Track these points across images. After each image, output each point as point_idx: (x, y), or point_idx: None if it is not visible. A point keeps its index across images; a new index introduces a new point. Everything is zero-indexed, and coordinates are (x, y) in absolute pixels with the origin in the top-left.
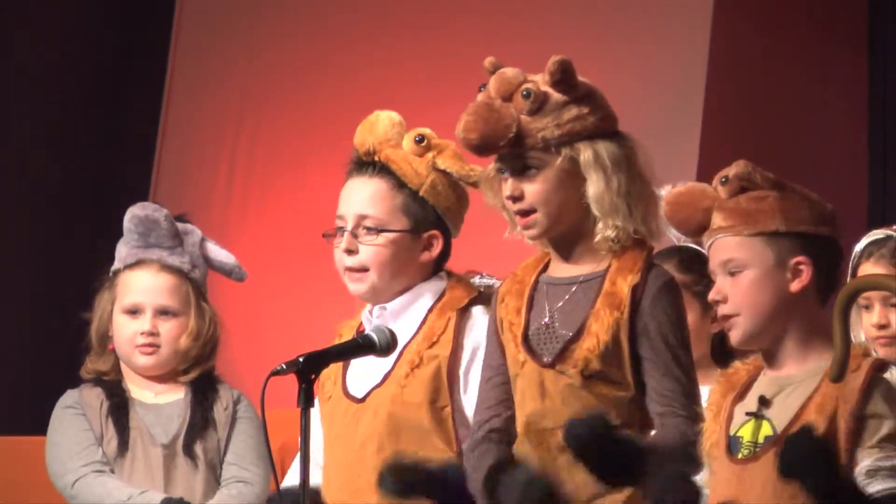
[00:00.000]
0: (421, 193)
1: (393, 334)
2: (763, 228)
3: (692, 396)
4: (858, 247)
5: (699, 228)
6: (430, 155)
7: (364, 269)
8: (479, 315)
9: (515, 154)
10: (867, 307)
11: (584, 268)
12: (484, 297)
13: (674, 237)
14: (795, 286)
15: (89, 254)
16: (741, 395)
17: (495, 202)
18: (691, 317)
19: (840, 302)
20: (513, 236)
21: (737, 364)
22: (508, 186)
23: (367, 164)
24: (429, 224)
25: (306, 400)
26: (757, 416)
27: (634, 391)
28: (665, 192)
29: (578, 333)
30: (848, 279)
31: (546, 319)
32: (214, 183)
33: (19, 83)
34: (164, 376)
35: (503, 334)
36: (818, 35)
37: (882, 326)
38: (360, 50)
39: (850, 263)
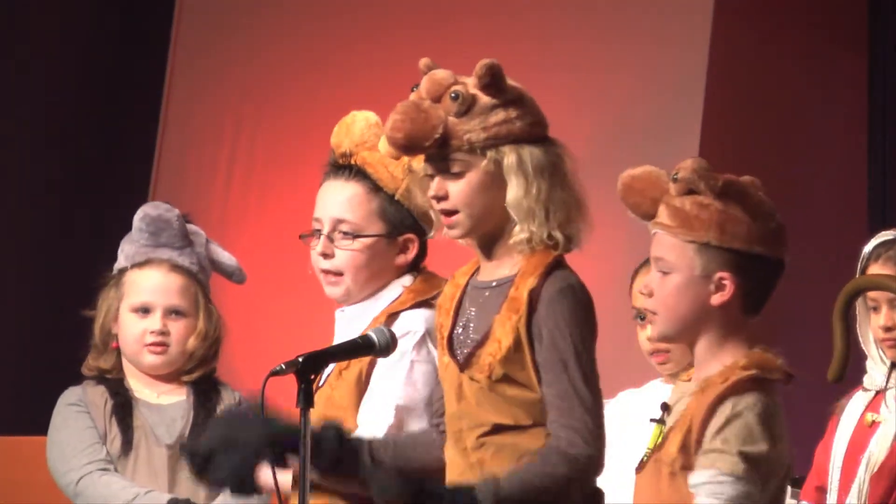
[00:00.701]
0: (397, 197)
1: (392, 334)
2: (695, 237)
3: (583, 405)
4: (867, 249)
5: (648, 215)
6: (405, 158)
7: (339, 273)
8: (405, 318)
9: (441, 155)
10: (875, 309)
11: (502, 271)
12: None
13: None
14: (716, 300)
15: (89, 253)
16: None
17: (424, 201)
18: None
19: (840, 302)
20: (438, 235)
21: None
22: (434, 186)
23: (344, 166)
24: (404, 228)
25: (306, 400)
26: (659, 422)
27: (542, 393)
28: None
29: (484, 338)
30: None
31: (462, 323)
32: (214, 183)
33: (19, 83)
34: (168, 376)
35: (436, 336)
36: (818, 36)
37: (888, 329)
38: (359, 50)
39: (859, 265)
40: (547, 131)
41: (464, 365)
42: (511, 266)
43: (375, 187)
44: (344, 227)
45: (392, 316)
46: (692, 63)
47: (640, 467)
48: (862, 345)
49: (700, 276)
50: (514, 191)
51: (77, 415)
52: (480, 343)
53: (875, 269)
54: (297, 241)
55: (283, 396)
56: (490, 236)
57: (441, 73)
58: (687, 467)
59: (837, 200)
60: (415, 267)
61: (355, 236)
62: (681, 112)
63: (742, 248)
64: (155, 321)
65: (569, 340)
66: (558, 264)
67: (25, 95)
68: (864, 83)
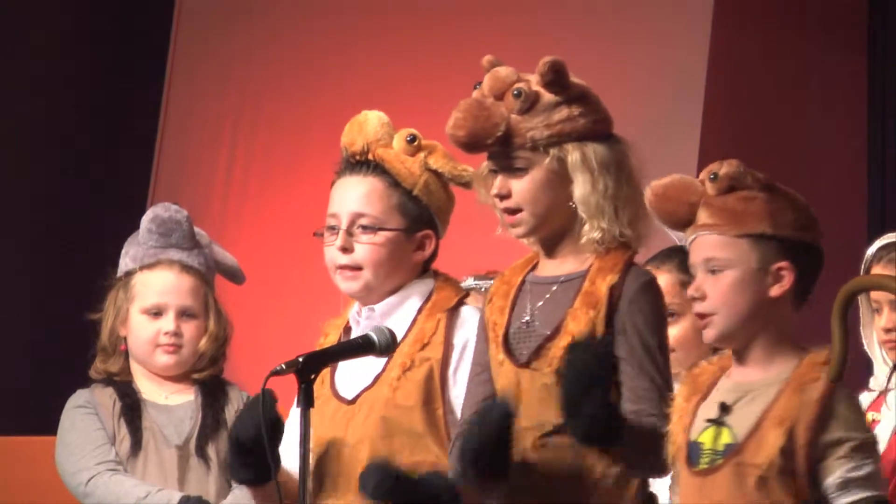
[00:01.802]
0: (415, 193)
1: (393, 334)
2: (749, 230)
3: (665, 398)
4: (870, 250)
5: (683, 222)
6: (421, 155)
7: (358, 268)
8: (467, 314)
9: (504, 153)
10: (877, 310)
11: (567, 267)
12: (471, 296)
13: (676, 238)
14: (776, 291)
15: (89, 254)
16: (705, 397)
17: (487, 199)
18: (691, 318)
19: (839, 302)
20: (504, 234)
21: (703, 363)
22: (497, 184)
23: (360, 163)
24: (422, 224)
25: (306, 400)
26: (717, 422)
27: (620, 382)
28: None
29: (555, 332)
30: None
31: (526, 318)
32: (214, 183)
33: (19, 83)
34: (177, 377)
35: (488, 333)
36: (818, 35)
37: (889, 330)
38: (358, 50)
39: (862, 267)
40: (611, 128)
41: (531, 358)
42: (579, 262)
43: (394, 182)
44: (364, 221)
45: (454, 310)
46: (692, 63)
47: (711, 470)
48: (865, 346)
49: (758, 269)
50: (580, 188)
51: (86, 416)
52: (551, 336)
53: (877, 271)
54: (297, 241)
55: (283, 397)
56: (554, 234)
57: (504, 70)
58: (787, 472)
59: (837, 200)
60: (427, 266)
61: (377, 230)
62: (681, 112)
63: (795, 236)
64: (168, 322)
65: (655, 336)
66: (632, 261)
67: (25, 95)
68: (863, 82)
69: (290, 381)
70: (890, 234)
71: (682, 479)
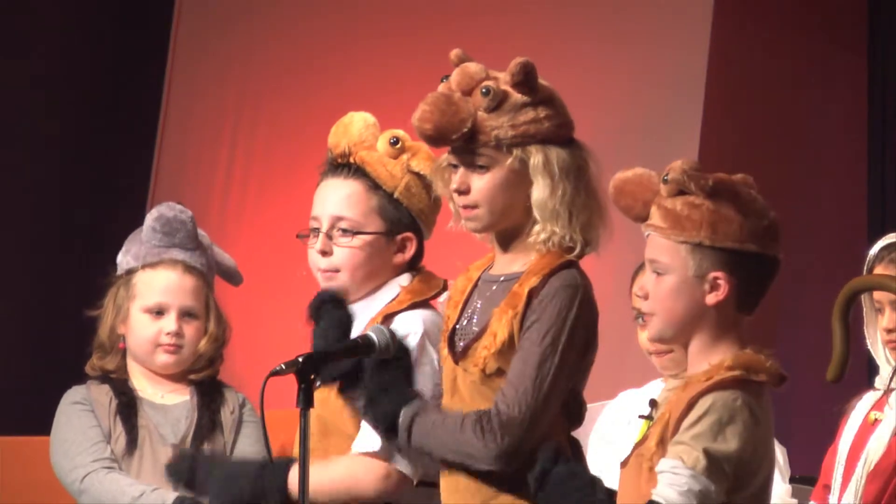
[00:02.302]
0: (396, 196)
1: (393, 335)
2: (687, 238)
3: (531, 400)
4: (872, 250)
5: (641, 217)
6: (404, 157)
7: (336, 270)
8: (403, 319)
9: (468, 148)
10: (879, 310)
11: (515, 267)
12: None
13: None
14: (711, 299)
15: (89, 253)
16: None
17: (444, 192)
18: None
19: (839, 303)
20: (456, 227)
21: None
22: (457, 179)
23: (342, 165)
24: (403, 226)
25: (305, 400)
26: (647, 418)
27: None
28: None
29: (482, 331)
30: None
31: (468, 315)
32: (213, 183)
33: (19, 83)
34: (174, 376)
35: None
36: (818, 35)
37: (891, 330)
38: (357, 50)
39: (865, 267)
40: (573, 133)
41: (459, 356)
42: (523, 263)
43: (374, 185)
44: (343, 225)
45: (389, 317)
46: (692, 63)
47: (625, 462)
48: (869, 346)
49: (694, 277)
50: (539, 191)
51: (81, 413)
52: (478, 336)
53: (879, 271)
54: (296, 241)
55: (283, 397)
56: (508, 232)
57: (473, 67)
58: None
59: (837, 200)
60: (412, 266)
61: (354, 233)
62: (681, 112)
63: (734, 247)
64: (170, 322)
65: (554, 339)
66: (568, 266)
67: (26, 96)
68: (863, 82)
69: (290, 381)
70: (892, 234)
71: None
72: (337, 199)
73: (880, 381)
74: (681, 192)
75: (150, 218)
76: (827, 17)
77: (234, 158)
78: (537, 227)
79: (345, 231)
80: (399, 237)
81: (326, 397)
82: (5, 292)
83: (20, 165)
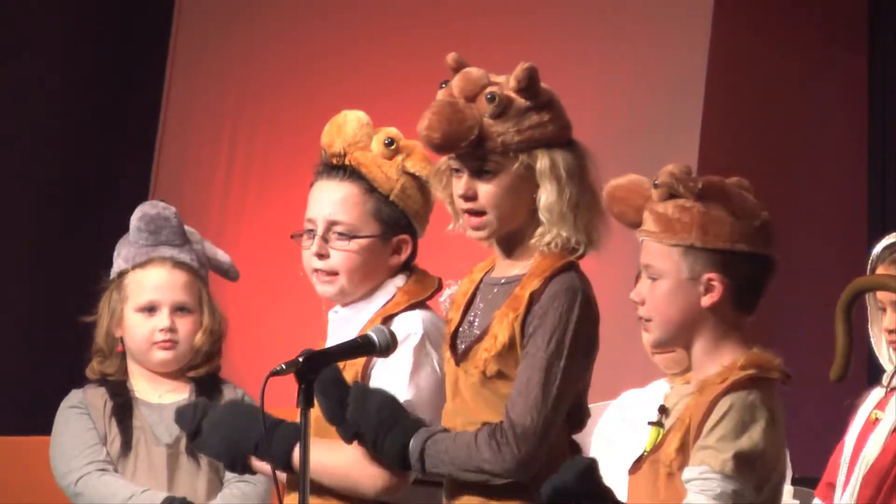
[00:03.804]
0: (391, 198)
1: (393, 334)
2: (679, 241)
3: (535, 405)
4: (875, 251)
5: (634, 223)
6: (399, 158)
7: (334, 273)
8: (402, 321)
9: (474, 155)
10: (882, 310)
11: (516, 269)
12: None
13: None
14: (706, 301)
15: (89, 254)
16: None
17: (443, 196)
18: None
19: (842, 303)
20: (455, 229)
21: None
22: (462, 185)
23: (338, 166)
24: (398, 228)
25: (306, 400)
26: (657, 424)
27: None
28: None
29: (483, 334)
30: None
31: (470, 318)
32: (213, 182)
33: (19, 84)
34: (174, 374)
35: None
36: (818, 35)
37: (892, 331)
38: (357, 50)
39: (868, 267)
40: (572, 134)
41: (460, 358)
42: (524, 265)
43: (370, 188)
44: (339, 228)
45: (388, 319)
46: (692, 63)
47: (636, 468)
48: (873, 345)
49: (688, 280)
50: (547, 195)
51: (78, 417)
52: (479, 338)
53: (882, 271)
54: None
55: (282, 396)
56: (511, 236)
57: (475, 73)
58: (685, 467)
59: (837, 201)
60: (406, 266)
61: (351, 237)
62: (681, 112)
63: (726, 248)
64: (163, 319)
65: (558, 343)
66: (569, 267)
67: (25, 95)
68: (863, 82)
69: (290, 380)
70: (894, 234)
71: None
72: (333, 201)
73: (886, 379)
74: (671, 196)
75: (135, 218)
76: (827, 17)
77: (234, 158)
78: (541, 230)
79: (341, 235)
80: (395, 239)
81: None
82: (5, 292)
83: (20, 165)
